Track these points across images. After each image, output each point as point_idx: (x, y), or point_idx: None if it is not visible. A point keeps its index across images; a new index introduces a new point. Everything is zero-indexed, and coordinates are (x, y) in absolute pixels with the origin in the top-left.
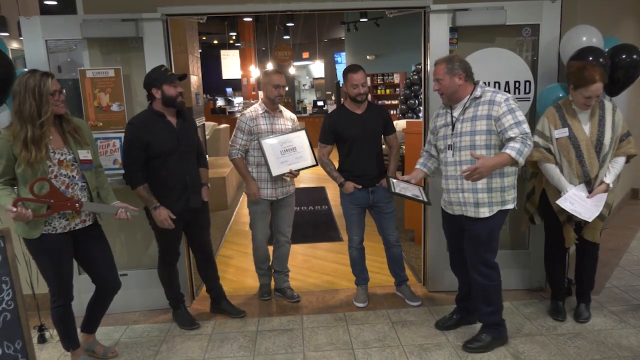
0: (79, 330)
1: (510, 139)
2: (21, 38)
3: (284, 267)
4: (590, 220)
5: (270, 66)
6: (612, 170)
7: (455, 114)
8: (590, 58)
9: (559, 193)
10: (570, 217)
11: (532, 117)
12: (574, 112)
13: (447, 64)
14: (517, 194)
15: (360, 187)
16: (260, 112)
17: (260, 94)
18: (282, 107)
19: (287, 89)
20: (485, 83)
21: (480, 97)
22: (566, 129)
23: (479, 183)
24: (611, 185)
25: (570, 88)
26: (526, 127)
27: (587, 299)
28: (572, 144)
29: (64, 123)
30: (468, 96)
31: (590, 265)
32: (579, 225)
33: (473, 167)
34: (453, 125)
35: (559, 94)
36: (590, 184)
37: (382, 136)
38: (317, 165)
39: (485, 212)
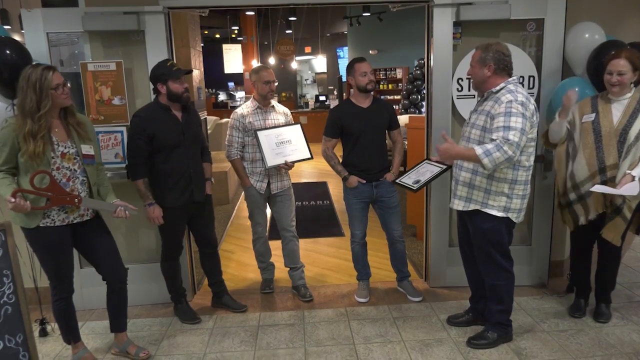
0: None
1: (491, 140)
2: (22, 31)
3: (296, 262)
4: (636, 194)
5: (272, 61)
6: None
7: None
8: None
9: (570, 184)
10: (569, 203)
11: None
12: (608, 101)
13: (482, 52)
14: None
15: (364, 181)
16: (253, 108)
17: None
18: (274, 102)
19: (277, 83)
20: None
21: (497, 92)
22: (593, 115)
23: (461, 176)
24: (636, 179)
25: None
26: (513, 134)
27: (607, 299)
28: (593, 129)
29: (69, 116)
30: (493, 89)
31: (610, 264)
32: (600, 224)
33: (438, 147)
34: (470, 115)
35: (575, 87)
36: (604, 171)
37: (387, 131)
38: (312, 158)
39: (459, 205)
